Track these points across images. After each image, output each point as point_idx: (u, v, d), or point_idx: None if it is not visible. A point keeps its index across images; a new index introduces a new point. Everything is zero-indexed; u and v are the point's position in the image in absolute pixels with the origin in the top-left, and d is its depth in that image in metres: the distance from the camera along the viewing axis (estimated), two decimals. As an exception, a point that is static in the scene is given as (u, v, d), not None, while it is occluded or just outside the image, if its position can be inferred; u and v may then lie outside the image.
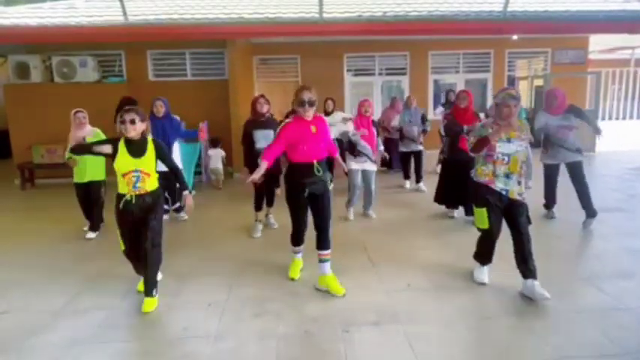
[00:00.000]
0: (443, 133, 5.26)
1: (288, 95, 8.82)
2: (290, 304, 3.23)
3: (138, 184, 3.14)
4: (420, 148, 6.90)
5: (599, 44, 11.96)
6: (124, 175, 3.15)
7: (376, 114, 9.69)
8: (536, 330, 2.81)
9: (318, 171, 3.29)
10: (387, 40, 9.47)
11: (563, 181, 4.98)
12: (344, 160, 4.70)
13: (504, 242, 3.43)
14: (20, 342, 2.84)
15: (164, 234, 3.46)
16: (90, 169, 4.85)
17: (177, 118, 5.33)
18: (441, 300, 3.26)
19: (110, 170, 3.32)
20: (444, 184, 5.26)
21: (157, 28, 6.73)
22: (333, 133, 5.11)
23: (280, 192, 4.64)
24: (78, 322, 3.08)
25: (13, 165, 8.02)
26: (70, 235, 5.02)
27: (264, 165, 3.31)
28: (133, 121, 3.12)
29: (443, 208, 5.39)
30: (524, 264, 3.22)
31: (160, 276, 3.49)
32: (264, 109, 4.76)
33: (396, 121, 7.32)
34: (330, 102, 6.78)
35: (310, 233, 3.57)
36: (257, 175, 3.31)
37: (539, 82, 10.12)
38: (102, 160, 4.63)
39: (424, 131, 6.94)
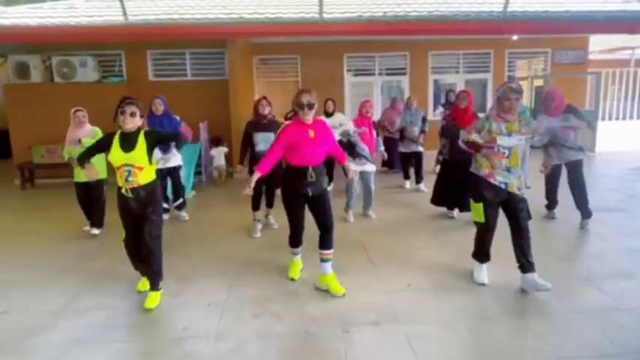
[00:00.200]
0: (440, 134, 5.28)
1: (289, 95, 8.84)
2: (290, 305, 3.24)
3: (130, 178, 3.18)
4: (421, 149, 6.90)
5: (599, 44, 11.97)
6: (117, 169, 3.21)
7: (376, 114, 9.73)
8: (536, 330, 2.81)
9: (312, 177, 3.30)
10: (387, 40, 9.47)
11: (563, 180, 4.97)
12: None
13: (503, 240, 3.44)
14: (20, 342, 2.84)
15: (165, 234, 3.47)
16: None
17: (178, 118, 5.33)
18: (441, 300, 3.26)
19: (112, 169, 3.37)
20: (443, 185, 5.27)
21: (157, 28, 6.73)
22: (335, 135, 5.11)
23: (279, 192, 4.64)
24: (78, 322, 3.08)
25: (13, 165, 8.02)
26: (70, 235, 5.02)
27: (256, 176, 3.36)
28: (133, 114, 3.18)
29: (443, 208, 5.39)
30: (524, 257, 3.27)
31: (162, 290, 3.49)
32: (266, 111, 4.78)
33: (397, 122, 7.34)
34: (330, 102, 6.77)
35: (309, 234, 3.57)
36: (249, 189, 3.35)
37: (539, 82, 10.12)
38: (103, 158, 4.64)
39: (422, 131, 6.95)
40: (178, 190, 5.49)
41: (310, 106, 3.26)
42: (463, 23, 6.88)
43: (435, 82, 10.52)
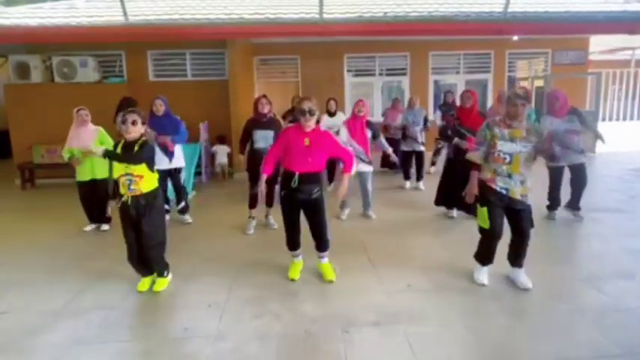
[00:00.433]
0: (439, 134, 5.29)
1: (288, 95, 8.85)
2: (290, 305, 3.24)
3: (132, 187, 3.28)
4: (422, 148, 6.93)
5: (599, 45, 11.96)
6: (120, 177, 3.30)
7: (376, 114, 9.74)
8: (536, 330, 2.81)
9: (295, 182, 3.35)
10: (387, 40, 9.47)
11: (563, 181, 4.98)
12: None
13: (503, 240, 3.43)
14: (20, 342, 2.84)
15: (165, 234, 3.51)
16: (96, 168, 4.92)
17: (178, 118, 5.33)
18: (441, 300, 3.26)
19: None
20: (446, 185, 5.25)
21: (157, 29, 6.73)
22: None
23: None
24: (78, 322, 3.08)
25: (14, 165, 8.02)
26: (71, 235, 5.02)
27: (263, 177, 3.50)
28: (134, 122, 3.26)
29: (443, 208, 5.39)
30: (517, 259, 3.41)
31: (170, 277, 3.62)
32: (266, 109, 4.78)
33: (398, 121, 7.35)
34: (332, 102, 6.80)
35: (308, 236, 3.59)
36: (261, 188, 3.50)
37: (539, 82, 10.11)
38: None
39: (426, 128, 7.09)
40: (180, 192, 5.46)
41: (312, 113, 3.36)
42: (463, 24, 6.87)
43: (436, 82, 10.51)
